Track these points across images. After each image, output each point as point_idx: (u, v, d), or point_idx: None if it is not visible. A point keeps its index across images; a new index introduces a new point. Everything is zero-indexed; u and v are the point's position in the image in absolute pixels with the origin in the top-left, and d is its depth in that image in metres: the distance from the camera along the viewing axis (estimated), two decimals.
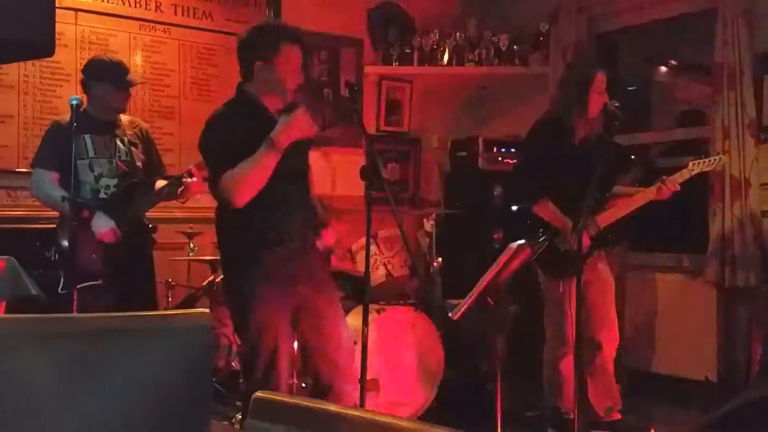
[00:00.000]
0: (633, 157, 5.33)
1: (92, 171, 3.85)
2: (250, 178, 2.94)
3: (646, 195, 4.04)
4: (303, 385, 3.98)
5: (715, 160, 4.13)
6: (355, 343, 3.24)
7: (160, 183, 4.04)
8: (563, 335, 3.98)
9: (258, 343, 3.04)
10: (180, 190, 3.88)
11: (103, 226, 3.73)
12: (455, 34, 6.15)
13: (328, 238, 3.29)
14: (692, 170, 4.03)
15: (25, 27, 3.22)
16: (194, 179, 3.83)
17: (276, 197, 3.03)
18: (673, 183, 4.00)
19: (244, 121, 3.06)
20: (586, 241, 3.77)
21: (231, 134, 3.02)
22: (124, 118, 4.07)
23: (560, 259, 3.88)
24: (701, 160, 4.06)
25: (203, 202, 5.04)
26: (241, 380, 4.72)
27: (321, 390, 3.17)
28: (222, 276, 3.31)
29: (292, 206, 3.11)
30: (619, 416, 4.22)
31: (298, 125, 2.95)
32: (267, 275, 3.03)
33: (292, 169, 3.11)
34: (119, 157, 3.94)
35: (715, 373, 4.98)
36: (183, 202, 4.06)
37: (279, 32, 3.12)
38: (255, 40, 3.11)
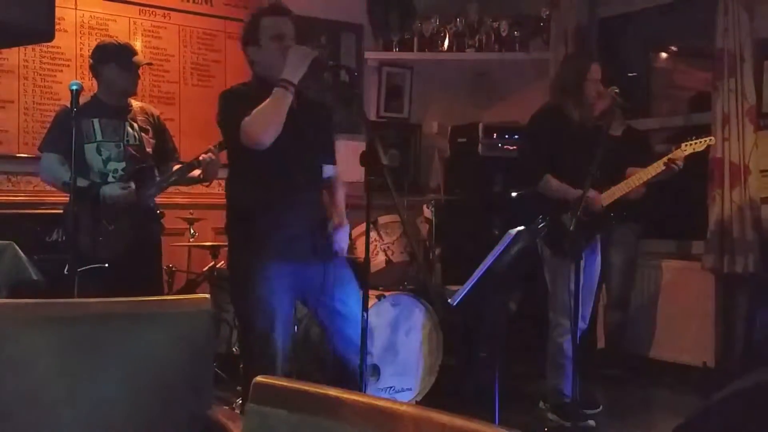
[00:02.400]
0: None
1: (100, 154, 3.85)
2: (268, 114, 3.00)
3: (647, 172, 4.10)
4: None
5: (704, 141, 4.18)
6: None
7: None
8: (568, 316, 3.99)
9: (253, 322, 3.10)
10: (198, 173, 3.84)
11: (115, 191, 3.75)
12: (456, 20, 6.13)
13: (340, 241, 3.25)
14: (685, 150, 4.09)
15: (25, 12, 3.22)
16: (210, 155, 3.77)
17: (283, 182, 3.09)
18: (679, 160, 4.06)
19: (255, 93, 3.14)
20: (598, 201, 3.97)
21: (243, 98, 3.12)
22: (135, 104, 4.06)
23: (570, 239, 3.91)
24: (693, 142, 4.12)
25: (204, 188, 5.06)
26: (242, 365, 4.75)
27: (339, 370, 3.24)
28: (227, 256, 3.36)
29: (296, 196, 3.14)
30: None
31: (297, 56, 3.03)
32: (267, 254, 3.07)
33: (302, 159, 3.15)
34: (128, 141, 3.93)
35: (713, 359, 5.00)
36: (207, 185, 4.06)
37: (258, 12, 3.24)
38: (244, 31, 3.25)
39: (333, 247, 3.18)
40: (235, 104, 3.12)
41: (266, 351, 3.08)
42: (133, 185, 3.79)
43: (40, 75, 4.96)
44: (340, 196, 3.34)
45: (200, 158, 3.77)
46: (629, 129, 5.12)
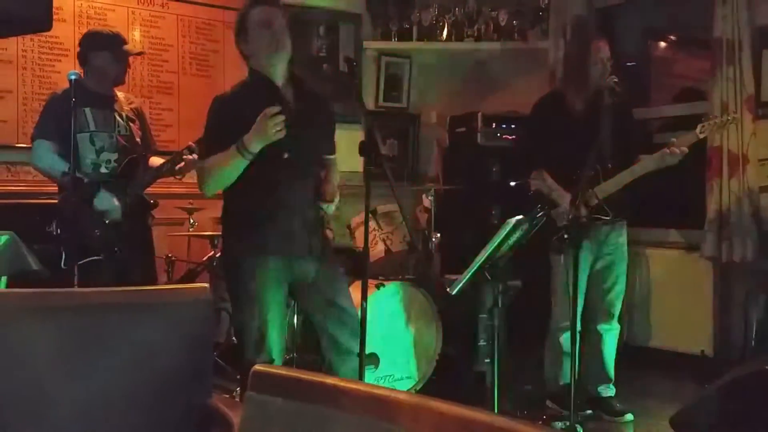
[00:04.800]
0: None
1: (93, 145, 3.84)
2: (215, 174, 3.06)
3: (646, 163, 3.93)
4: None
5: (727, 120, 4.06)
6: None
7: (155, 160, 4.04)
8: (566, 309, 3.99)
9: (248, 315, 3.09)
10: (178, 166, 3.88)
11: (107, 205, 3.75)
12: (454, 10, 6.12)
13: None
14: (701, 132, 3.86)
15: (22, 1, 3.22)
16: (194, 156, 3.82)
17: (275, 180, 3.06)
18: (681, 145, 3.84)
19: (245, 100, 3.08)
20: None
21: (222, 120, 3.09)
22: (120, 93, 4.06)
23: (560, 234, 3.90)
24: (711, 122, 3.94)
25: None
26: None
27: (324, 364, 3.22)
28: (221, 248, 3.36)
29: (292, 191, 3.12)
30: (610, 394, 4.26)
31: (262, 128, 2.93)
32: (262, 248, 3.07)
33: (299, 155, 3.11)
34: (119, 131, 3.93)
35: (711, 348, 5.01)
36: (180, 179, 4.07)
37: (247, 4, 3.17)
38: (235, 26, 3.18)
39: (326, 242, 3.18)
40: (219, 118, 3.10)
41: (261, 342, 3.07)
42: (117, 201, 3.78)
43: (39, 65, 4.96)
44: (333, 174, 3.31)
45: (184, 157, 3.81)
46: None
